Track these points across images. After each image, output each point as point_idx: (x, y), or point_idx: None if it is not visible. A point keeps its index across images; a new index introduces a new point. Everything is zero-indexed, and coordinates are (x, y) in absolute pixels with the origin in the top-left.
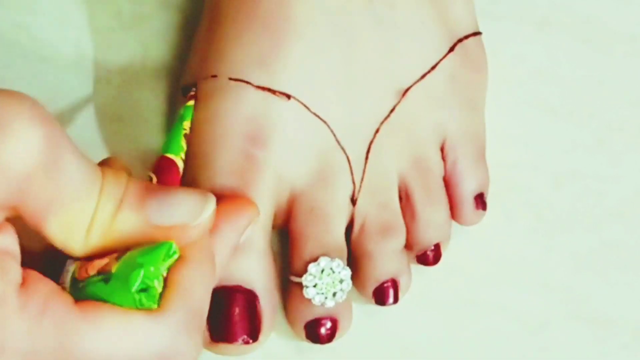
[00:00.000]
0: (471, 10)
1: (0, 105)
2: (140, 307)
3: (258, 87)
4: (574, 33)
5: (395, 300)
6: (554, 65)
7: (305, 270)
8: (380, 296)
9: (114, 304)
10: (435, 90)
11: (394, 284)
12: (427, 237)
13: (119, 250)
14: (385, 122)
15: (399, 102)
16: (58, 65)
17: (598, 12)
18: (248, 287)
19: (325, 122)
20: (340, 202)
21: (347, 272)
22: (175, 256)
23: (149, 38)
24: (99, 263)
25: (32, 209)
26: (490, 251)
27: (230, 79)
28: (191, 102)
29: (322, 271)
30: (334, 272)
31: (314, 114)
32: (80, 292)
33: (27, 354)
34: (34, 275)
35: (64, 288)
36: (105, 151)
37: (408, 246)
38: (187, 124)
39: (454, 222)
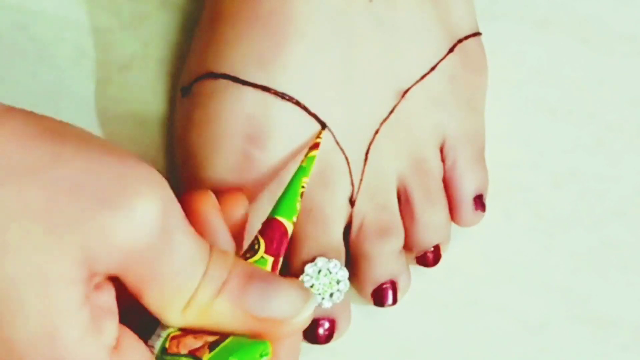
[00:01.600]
0: (471, 11)
1: (126, 175)
2: None
3: (257, 87)
4: (573, 33)
5: (394, 301)
6: (553, 65)
7: (302, 271)
8: (379, 297)
9: None
10: (435, 91)
11: (393, 285)
12: (426, 239)
13: (213, 332)
14: (385, 123)
15: (398, 102)
16: (58, 65)
17: (598, 12)
18: None
19: (324, 122)
20: (338, 203)
21: (344, 273)
22: (266, 358)
23: (149, 38)
24: (192, 343)
25: (133, 281)
26: (490, 251)
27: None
28: (314, 153)
29: (319, 272)
30: (330, 272)
31: (313, 114)
32: None
33: None
34: (129, 339)
35: (152, 351)
36: None
37: (408, 247)
38: (305, 180)
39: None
